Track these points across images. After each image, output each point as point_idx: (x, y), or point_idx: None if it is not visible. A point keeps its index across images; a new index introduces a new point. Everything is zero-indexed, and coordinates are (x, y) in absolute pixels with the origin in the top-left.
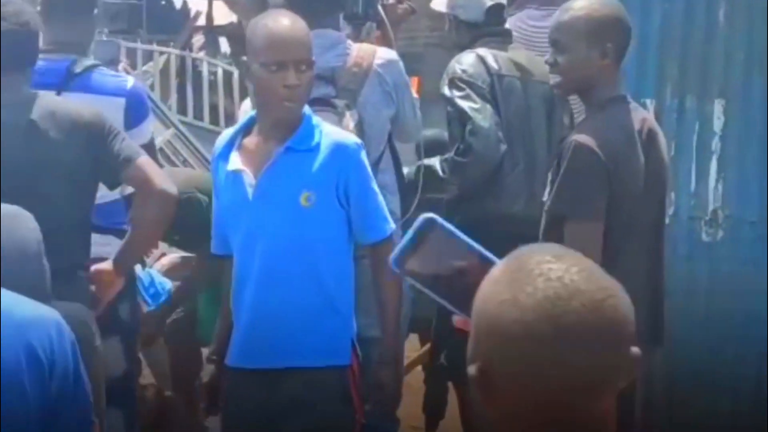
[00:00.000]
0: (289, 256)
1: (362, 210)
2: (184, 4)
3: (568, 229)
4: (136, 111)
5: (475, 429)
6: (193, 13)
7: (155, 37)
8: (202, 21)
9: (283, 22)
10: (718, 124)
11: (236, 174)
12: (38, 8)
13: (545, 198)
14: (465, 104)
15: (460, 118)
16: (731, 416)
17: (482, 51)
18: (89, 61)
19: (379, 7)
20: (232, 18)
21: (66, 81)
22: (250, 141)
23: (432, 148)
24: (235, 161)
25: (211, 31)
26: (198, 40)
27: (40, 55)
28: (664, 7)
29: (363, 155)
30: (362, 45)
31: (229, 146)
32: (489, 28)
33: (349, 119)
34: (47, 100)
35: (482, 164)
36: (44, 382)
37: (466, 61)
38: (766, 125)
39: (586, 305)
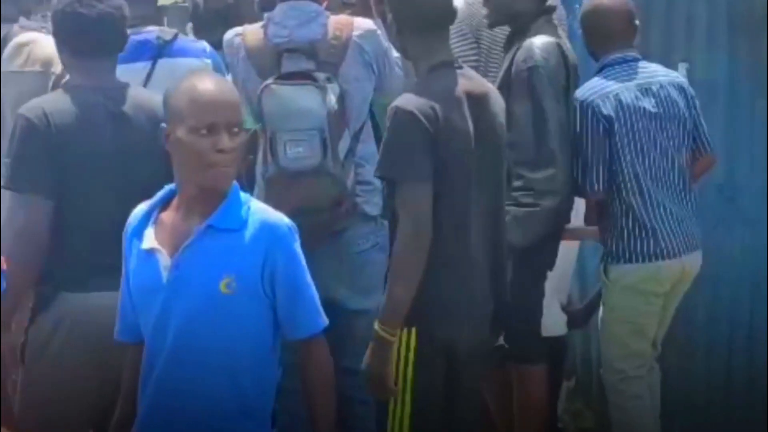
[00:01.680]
0: (203, 350)
1: (290, 301)
2: None
3: (399, 191)
4: (218, 70)
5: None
6: None
7: None
8: None
9: (210, 83)
10: None
11: (150, 253)
12: None
13: None
14: (553, 114)
15: (541, 123)
16: None
17: (553, 37)
18: (170, 30)
19: None
20: None
21: (161, 50)
22: (168, 216)
23: None
24: (150, 239)
25: None
26: None
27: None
28: None
29: (296, 240)
30: (339, 17)
31: (144, 222)
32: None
33: (331, 93)
34: (137, 91)
35: (554, 217)
36: None
37: (548, 49)
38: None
39: None
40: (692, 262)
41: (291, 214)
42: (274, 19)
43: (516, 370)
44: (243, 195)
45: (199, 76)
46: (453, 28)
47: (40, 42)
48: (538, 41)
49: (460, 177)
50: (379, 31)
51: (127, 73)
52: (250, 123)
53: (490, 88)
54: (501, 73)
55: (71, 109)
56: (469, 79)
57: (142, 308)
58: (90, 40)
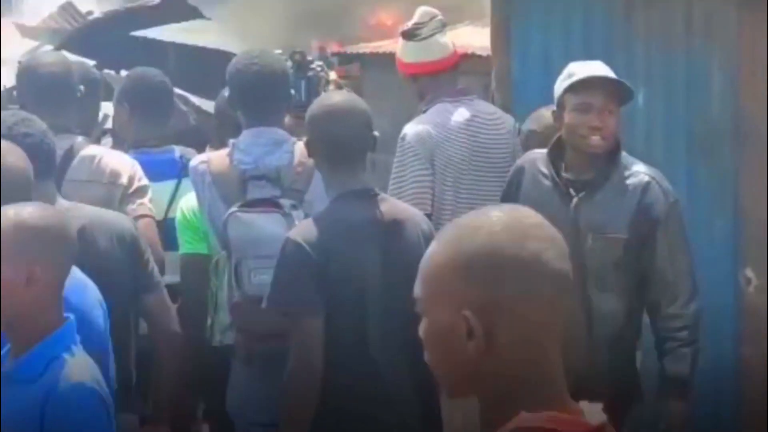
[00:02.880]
0: None
1: None
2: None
3: (292, 325)
4: None
5: None
6: (101, 117)
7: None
8: (109, 124)
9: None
10: None
11: None
12: (128, 109)
13: None
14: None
15: (686, 256)
16: None
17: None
18: (191, 149)
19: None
20: None
21: (182, 169)
22: None
23: None
24: None
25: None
26: (106, 143)
27: (148, 149)
28: None
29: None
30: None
31: None
32: None
33: (296, 220)
34: (87, 210)
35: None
36: None
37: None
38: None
39: None
40: None
41: (257, 340)
42: (239, 145)
43: None
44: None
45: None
46: (409, 151)
47: (106, 156)
48: (656, 173)
49: (354, 306)
50: None
51: (154, 192)
52: (205, 248)
53: (410, 215)
54: (626, 217)
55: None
56: (388, 207)
57: None
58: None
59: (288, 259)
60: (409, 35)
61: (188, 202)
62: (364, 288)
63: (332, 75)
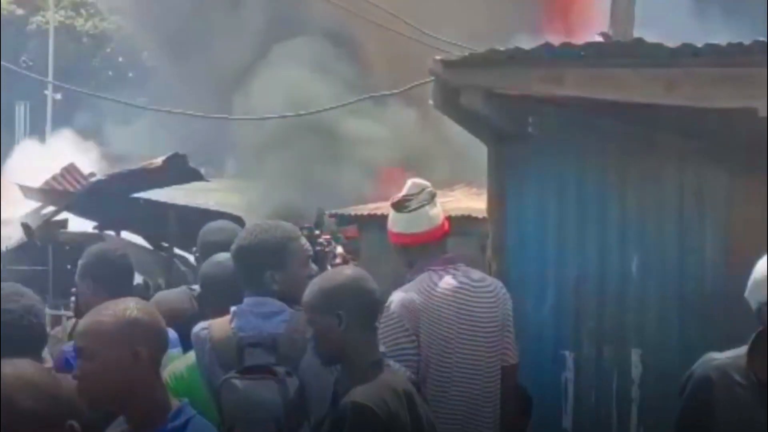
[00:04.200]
0: None
1: None
2: None
3: None
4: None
5: None
6: None
7: (61, 302)
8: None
9: None
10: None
11: None
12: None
13: None
14: None
15: None
16: None
17: None
18: None
19: (329, 268)
20: None
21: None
22: None
23: None
24: None
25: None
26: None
27: None
28: (578, 260)
29: None
30: (302, 313)
31: None
32: None
33: (290, 386)
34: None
35: None
36: None
37: None
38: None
39: None
40: None
41: None
42: (239, 313)
43: None
44: None
45: None
46: (393, 321)
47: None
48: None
49: None
50: None
51: None
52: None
53: (412, 387)
54: None
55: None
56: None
57: None
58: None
59: (360, 423)
60: (398, 207)
61: (173, 368)
62: None
63: (338, 249)
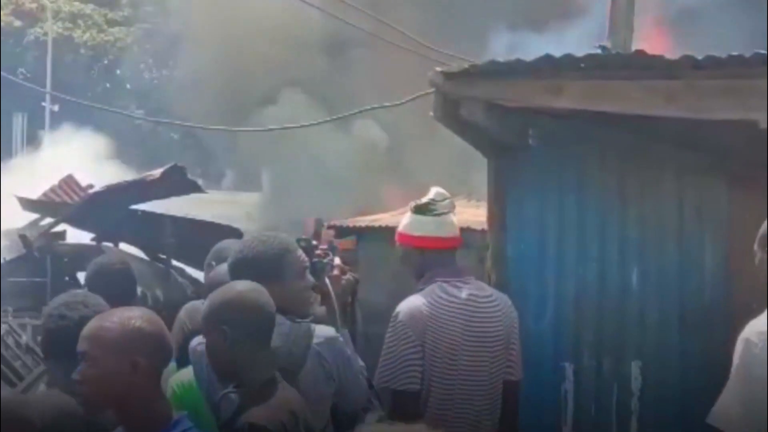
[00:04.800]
0: None
1: None
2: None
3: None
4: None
5: None
6: None
7: None
8: None
9: None
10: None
11: None
12: None
13: None
14: None
15: None
16: None
17: None
18: None
19: (326, 279)
20: None
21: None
22: None
23: None
24: None
25: None
26: None
27: None
28: (578, 271)
29: None
30: (300, 325)
31: None
32: None
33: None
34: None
35: None
36: None
37: None
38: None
39: None
40: None
41: None
42: None
43: None
44: None
45: None
46: (400, 331)
47: None
48: None
49: None
50: (341, 338)
51: None
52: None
53: (306, 407)
54: None
55: None
56: None
57: None
58: None
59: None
60: (422, 210)
61: (179, 377)
62: None
63: (336, 260)
